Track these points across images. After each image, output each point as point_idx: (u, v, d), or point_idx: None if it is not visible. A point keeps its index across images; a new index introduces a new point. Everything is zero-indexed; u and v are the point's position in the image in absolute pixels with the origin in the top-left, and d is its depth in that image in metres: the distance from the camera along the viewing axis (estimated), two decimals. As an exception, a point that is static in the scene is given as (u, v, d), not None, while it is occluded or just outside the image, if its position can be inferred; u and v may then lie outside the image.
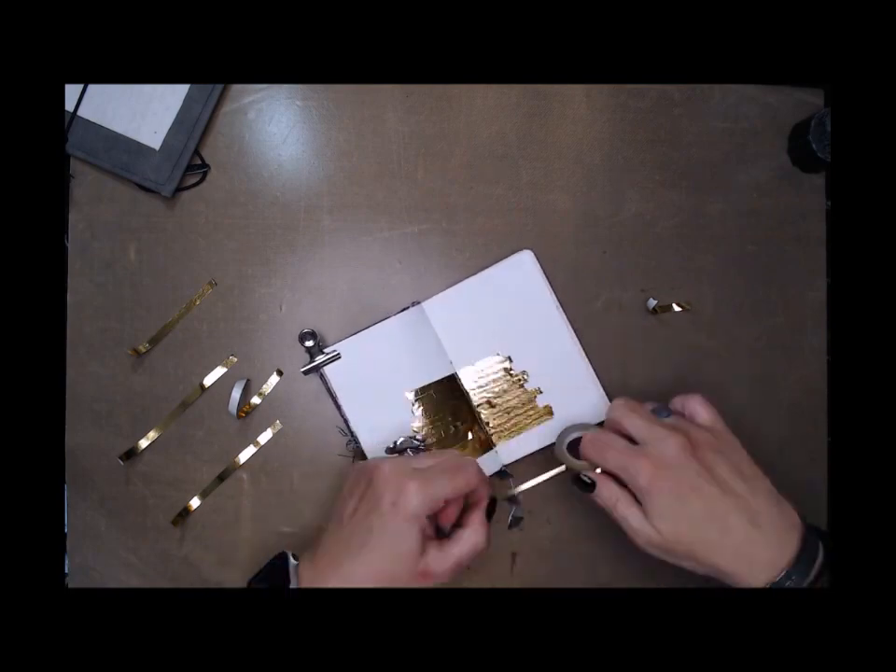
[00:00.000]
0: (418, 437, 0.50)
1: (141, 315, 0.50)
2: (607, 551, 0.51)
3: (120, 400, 0.50)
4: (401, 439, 0.50)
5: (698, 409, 0.43)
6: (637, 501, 0.41)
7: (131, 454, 0.49)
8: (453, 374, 0.50)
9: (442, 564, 0.39)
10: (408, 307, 0.51)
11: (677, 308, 0.51)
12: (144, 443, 0.50)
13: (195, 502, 0.50)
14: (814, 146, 0.50)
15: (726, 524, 0.38)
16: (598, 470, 0.43)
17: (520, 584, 0.51)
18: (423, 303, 0.51)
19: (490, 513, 0.43)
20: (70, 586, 0.49)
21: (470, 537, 0.41)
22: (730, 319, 0.53)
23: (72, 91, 0.48)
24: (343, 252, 0.51)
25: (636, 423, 0.41)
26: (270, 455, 0.51)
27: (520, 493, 0.50)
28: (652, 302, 0.52)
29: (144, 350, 0.50)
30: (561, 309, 0.51)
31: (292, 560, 0.42)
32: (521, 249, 0.51)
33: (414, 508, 0.38)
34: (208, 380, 0.50)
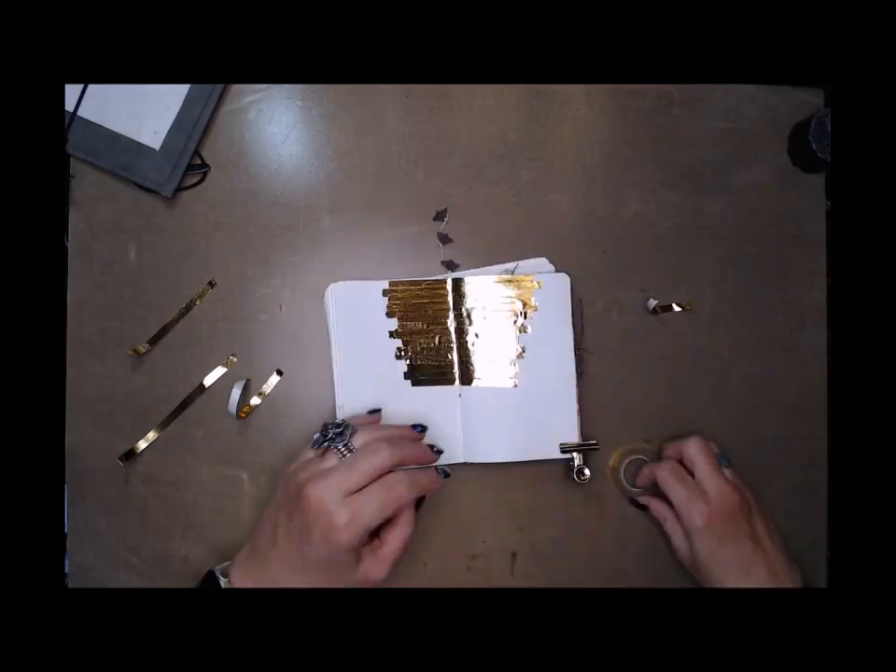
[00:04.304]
0: (342, 422, 0.44)
1: (141, 315, 0.50)
2: (607, 551, 0.51)
3: (120, 400, 0.50)
4: (330, 424, 0.44)
5: (710, 475, 0.48)
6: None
7: (131, 454, 0.49)
8: (455, 280, 0.50)
9: (379, 569, 0.41)
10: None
11: (677, 308, 0.51)
12: (144, 443, 0.50)
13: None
14: (814, 146, 0.50)
15: (749, 572, 0.46)
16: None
17: (520, 584, 0.51)
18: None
19: (418, 504, 0.45)
20: (70, 586, 0.49)
21: (400, 533, 0.41)
22: (730, 319, 0.53)
23: (72, 91, 0.48)
24: (343, 252, 0.51)
25: (705, 468, 0.47)
26: (270, 454, 0.51)
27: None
28: (652, 302, 0.52)
29: (144, 350, 0.50)
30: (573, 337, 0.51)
31: (222, 580, 0.42)
32: (556, 271, 0.51)
33: (346, 542, 0.38)
34: (208, 380, 0.50)
